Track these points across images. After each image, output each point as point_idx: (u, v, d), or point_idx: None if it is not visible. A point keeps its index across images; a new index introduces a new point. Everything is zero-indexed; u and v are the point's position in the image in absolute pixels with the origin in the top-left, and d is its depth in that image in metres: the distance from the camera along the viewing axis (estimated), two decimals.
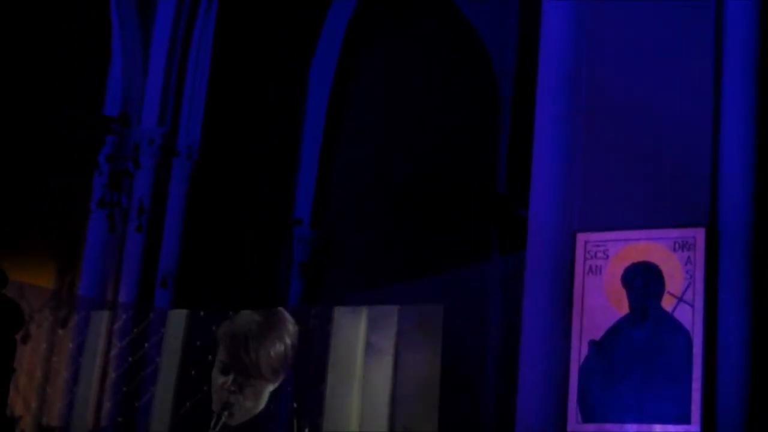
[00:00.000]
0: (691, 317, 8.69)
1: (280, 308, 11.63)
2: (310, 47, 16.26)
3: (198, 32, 14.92)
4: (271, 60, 15.59)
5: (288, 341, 10.97)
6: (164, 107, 14.68)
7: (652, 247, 8.94)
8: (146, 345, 13.48)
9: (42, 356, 13.26)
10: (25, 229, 14.28)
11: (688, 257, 8.80)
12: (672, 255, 8.86)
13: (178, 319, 13.26)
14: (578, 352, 9.00)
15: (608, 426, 8.75)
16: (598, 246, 9.12)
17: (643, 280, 8.91)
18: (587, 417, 8.83)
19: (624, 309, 8.95)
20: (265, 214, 15.40)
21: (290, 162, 16.08)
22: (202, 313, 13.38)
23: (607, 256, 9.08)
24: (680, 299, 8.76)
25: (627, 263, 9.00)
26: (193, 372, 13.00)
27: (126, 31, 14.76)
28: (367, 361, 11.75)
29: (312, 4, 16.08)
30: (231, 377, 11.23)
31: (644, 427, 8.63)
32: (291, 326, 11.00)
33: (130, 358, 13.39)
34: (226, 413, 10.82)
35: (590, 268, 9.11)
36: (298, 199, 15.98)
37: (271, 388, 11.21)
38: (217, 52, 14.90)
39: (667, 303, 8.81)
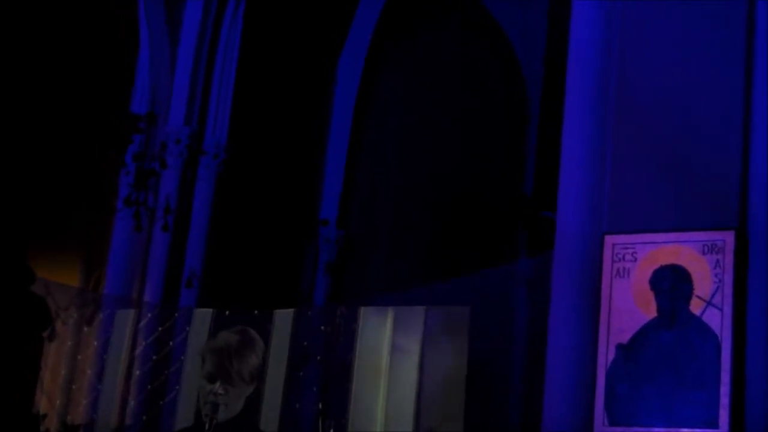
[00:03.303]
0: (719, 321, 8.64)
1: (249, 329, 12.28)
2: (337, 47, 16.26)
3: (225, 31, 14.93)
4: (298, 60, 15.59)
5: (259, 355, 12.19)
6: (191, 107, 14.69)
7: (681, 249, 8.89)
8: (171, 344, 13.49)
9: (67, 354, 13.28)
10: (52, 227, 14.31)
11: (717, 260, 8.75)
12: (701, 258, 8.81)
13: (203, 319, 13.27)
14: (605, 355, 8.96)
15: (635, 429, 8.70)
16: (626, 248, 9.08)
17: (672, 284, 8.86)
18: (614, 420, 8.79)
19: (652, 312, 8.90)
20: (291, 214, 15.39)
21: (317, 162, 16.08)
22: (227, 313, 13.39)
23: (636, 259, 9.03)
24: (709, 303, 8.70)
25: (655, 266, 8.96)
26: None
27: (154, 30, 14.78)
28: (393, 362, 11.79)
29: (340, 4, 16.07)
30: (218, 384, 12.03)
31: (672, 431, 8.58)
32: (260, 344, 12.17)
33: (154, 357, 13.40)
34: (215, 414, 11.74)
35: (618, 270, 9.07)
36: (324, 199, 15.98)
37: (249, 391, 12.04)
38: (244, 52, 14.90)
39: (695, 307, 8.75)
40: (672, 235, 8.96)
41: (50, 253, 13.81)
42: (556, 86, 10.16)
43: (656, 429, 8.63)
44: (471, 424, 11.39)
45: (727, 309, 8.64)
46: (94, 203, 14.54)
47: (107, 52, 14.85)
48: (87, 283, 14.56)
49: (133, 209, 13.97)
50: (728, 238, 8.76)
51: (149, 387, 13.26)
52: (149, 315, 13.66)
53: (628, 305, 8.97)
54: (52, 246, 14.11)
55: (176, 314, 13.58)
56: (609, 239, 9.14)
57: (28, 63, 14.46)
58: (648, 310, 8.91)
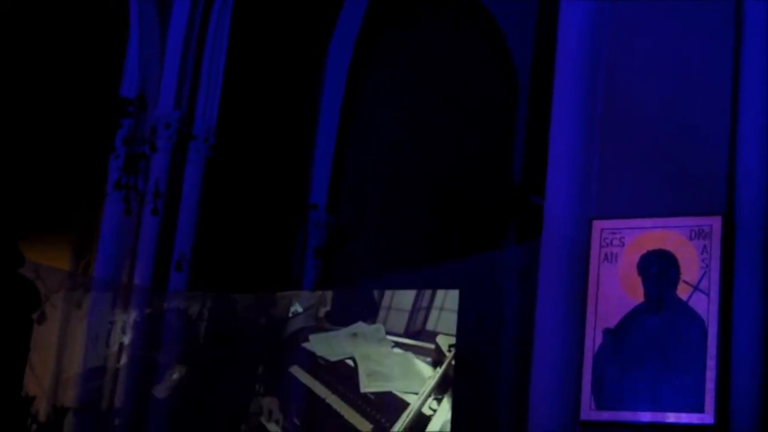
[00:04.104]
0: (706, 306, 8.68)
1: None
2: (327, 32, 16.25)
3: (215, 16, 14.92)
4: (288, 44, 15.58)
5: None
6: (181, 91, 14.69)
7: (668, 235, 8.92)
8: (160, 327, 13.53)
9: (57, 337, 13.30)
10: (42, 211, 14.31)
11: (704, 246, 8.79)
12: (688, 243, 8.84)
13: (192, 302, 13.33)
14: (593, 339, 8.99)
15: (622, 414, 8.75)
16: (614, 234, 9.11)
17: (659, 269, 8.89)
18: (601, 405, 8.83)
19: (639, 297, 8.94)
20: (280, 199, 15.40)
21: (306, 147, 16.09)
22: (216, 296, 13.44)
23: (623, 244, 9.07)
24: (696, 288, 8.74)
25: (642, 251, 8.99)
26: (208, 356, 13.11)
27: (144, 14, 14.77)
28: None
29: None
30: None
31: (658, 415, 8.62)
32: None
33: (144, 341, 13.44)
34: None
35: (606, 255, 9.10)
36: (313, 183, 15.98)
37: None
38: (234, 36, 14.89)
39: (682, 291, 8.79)
40: (659, 221, 8.99)
41: (40, 237, 13.81)
42: (546, 74, 10.17)
43: (642, 413, 8.67)
44: (459, 408, 11.45)
45: (714, 294, 8.67)
46: (84, 187, 14.55)
47: (97, 35, 14.84)
48: (77, 267, 14.57)
49: (123, 193, 13.97)
50: (715, 223, 8.79)
51: (138, 370, 13.30)
52: (138, 299, 13.70)
53: (616, 290, 9.00)
54: (42, 230, 14.11)
55: (165, 298, 13.63)
56: (597, 224, 9.17)
57: (18, 47, 14.44)
58: (635, 294, 8.95)
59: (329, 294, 13.13)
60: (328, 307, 12.81)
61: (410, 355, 12.03)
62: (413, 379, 11.91)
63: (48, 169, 14.50)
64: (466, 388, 11.56)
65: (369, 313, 12.43)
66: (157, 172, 14.42)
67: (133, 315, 13.60)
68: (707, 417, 8.49)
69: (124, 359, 13.38)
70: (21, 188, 14.04)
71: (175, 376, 13.10)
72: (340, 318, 12.61)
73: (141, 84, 14.71)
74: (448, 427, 11.46)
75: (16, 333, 8.36)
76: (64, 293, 13.52)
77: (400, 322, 12.28)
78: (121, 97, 14.54)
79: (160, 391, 13.11)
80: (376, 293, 12.55)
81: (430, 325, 12.05)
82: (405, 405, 11.80)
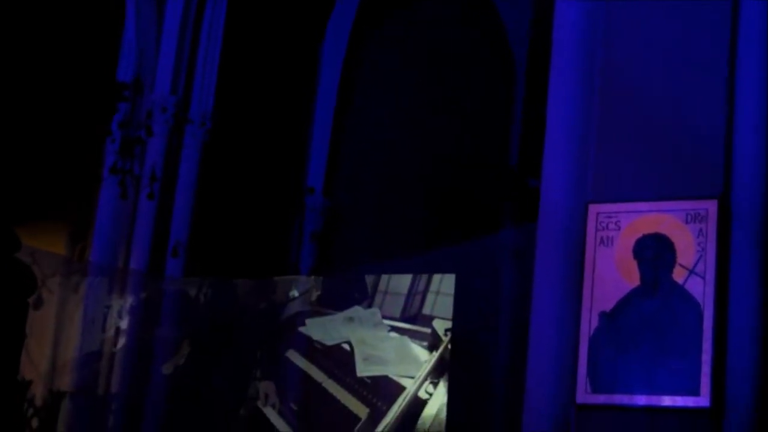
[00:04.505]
0: (702, 289, 8.68)
1: None
2: (324, 15, 16.22)
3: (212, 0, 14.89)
4: (285, 28, 15.55)
5: None
6: (177, 75, 14.66)
7: (664, 218, 8.91)
8: (157, 313, 13.53)
9: (53, 322, 13.30)
10: (38, 195, 14.30)
11: (700, 229, 8.78)
12: (684, 227, 8.84)
13: (190, 287, 13.34)
14: (588, 323, 8.99)
15: (617, 397, 8.75)
16: (610, 217, 9.10)
17: (655, 252, 8.89)
18: (597, 388, 8.83)
19: (635, 281, 8.94)
20: (277, 183, 15.39)
21: (303, 130, 16.07)
22: (214, 281, 13.44)
23: (619, 228, 9.06)
24: (692, 271, 8.74)
25: (638, 235, 8.98)
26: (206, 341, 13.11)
27: None
28: None
29: None
30: None
31: (653, 398, 8.63)
32: None
33: (140, 326, 13.45)
34: None
35: (602, 239, 9.10)
36: (310, 167, 15.97)
37: None
38: (230, 20, 14.87)
39: (678, 275, 8.79)
40: (655, 204, 8.98)
41: (36, 222, 13.80)
42: (542, 56, 10.15)
43: (638, 396, 8.68)
44: (456, 391, 11.46)
45: (710, 277, 8.67)
46: (80, 171, 14.53)
47: (93, 19, 14.80)
48: (73, 251, 14.57)
49: (119, 177, 13.96)
50: (711, 207, 8.79)
51: (135, 355, 13.31)
52: (135, 284, 13.70)
53: (612, 274, 9.00)
54: (37, 214, 14.10)
55: (162, 283, 13.63)
56: (593, 208, 9.16)
57: (14, 32, 14.41)
58: (631, 278, 8.94)
59: (322, 279, 13.16)
60: (320, 291, 12.83)
61: (406, 339, 12.04)
62: (409, 363, 11.92)
63: (44, 153, 14.48)
64: (462, 371, 11.57)
65: (361, 296, 12.44)
66: (154, 156, 14.40)
67: (129, 300, 13.60)
68: (703, 400, 8.50)
69: (120, 344, 13.38)
70: (17, 173, 14.02)
71: (184, 351, 13.14)
72: (331, 302, 12.62)
73: (137, 68, 14.68)
74: (445, 411, 11.48)
75: (12, 317, 8.35)
76: (61, 278, 13.52)
77: (396, 306, 12.28)
78: (117, 81, 14.52)
79: (168, 368, 13.15)
80: (371, 277, 12.55)
81: (426, 309, 12.05)
82: (401, 389, 11.81)
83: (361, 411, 11.93)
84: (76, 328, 13.39)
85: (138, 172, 14.22)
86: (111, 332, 13.47)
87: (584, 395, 8.85)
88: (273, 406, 12.48)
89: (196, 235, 14.29)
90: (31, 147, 14.35)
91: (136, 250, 14.08)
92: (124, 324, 13.45)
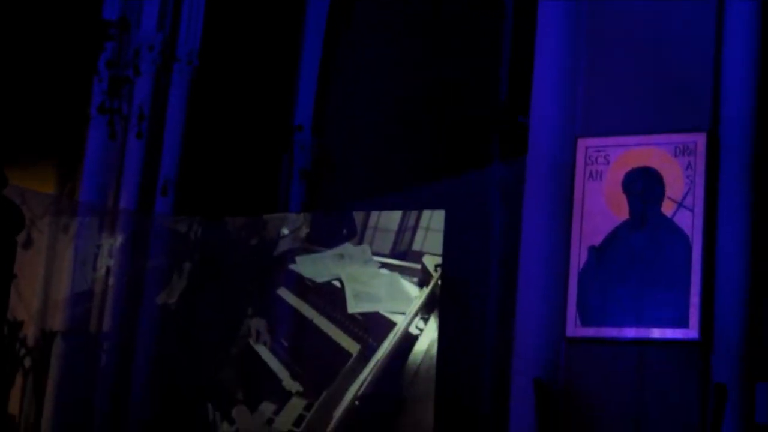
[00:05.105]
0: (690, 222, 8.71)
1: None
2: None
3: None
4: None
5: None
6: (164, 12, 14.55)
7: (653, 152, 8.93)
8: (147, 251, 13.54)
9: (44, 262, 13.31)
10: (26, 136, 14.24)
11: (689, 162, 8.79)
12: (673, 160, 8.85)
13: (180, 225, 13.34)
14: (578, 257, 9.03)
15: (607, 330, 8.80)
16: (599, 151, 9.11)
17: (643, 185, 8.91)
18: (586, 321, 8.88)
19: (624, 214, 8.97)
20: (265, 121, 15.34)
21: (291, 68, 15.98)
22: (205, 219, 13.44)
23: (608, 162, 9.07)
24: (680, 204, 8.76)
25: (627, 168, 9.00)
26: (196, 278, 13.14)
27: None
28: None
29: None
30: None
31: (642, 330, 8.68)
32: None
33: (131, 264, 13.46)
34: None
35: (591, 173, 9.11)
36: (298, 105, 15.90)
37: None
38: None
39: (667, 208, 8.82)
40: (644, 138, 8.99)
41: (24, 162, 13.76)
42: None
43: (627, 329, 8.73)
44: (445, 327, 11.50)
45: (699, 210, 8.70)
46: (68, 111, 14.47)
47: None
48: (62, 191, 14.53)
49: (107, 117, 13.89)
50: (700, 140, 8.80)
51: (126, 294, 13.34)
52: (125, 222, 13.70)
53: (601, 208, 9.02)
54: (26, 154, 14.06)
55: (152, 221, 13.63)
56: (582, 142, 9.17)
57: None
58: (620, 212, 8.97)
59: (311, 216, 13.17)
60: (310, 229, 12.84)
61: (397, 275, 12.07)
62: (400, 299, 11.95)
63: (32, 94, 14.40)
64: (452, 307, 11.61)
65: (350, 233, 12.45)
66: (141, 95, 14.33)
67: (119, 239, 13.60)
68: (692, 332, 8.55)
69: (111, 283, 13.40)
70: (4, 114, 13.96)
71: (176, 287, 13.16)
72: (321, 239, 12.64)
73: (123, 6, 14.55)
74: (435, 346, 11.53)
75: (1, 255, 8.33)
76: (51, 218, 13.50)
77: (386, 242, 12.30)
78: (103, 19, 14.41)
79: (162, 298, 13.20)
80: (361, 214, 12.56)
81: (416, 246, 12.07)
82: (392, 325, 11.86)
83: (353, 347, 11.99)
84: (66, 267, 13.40)
85: (126, 111, 14.16)
86: (102, 272, 13.48)
87: (574, 328, 8.91)
88: (264, 343, 12.53)
89: (186, 173, 14.26)
90: (19, 88, 14.27)
91: (126, 190, 14.05)
92: (114, 263, 13.46)
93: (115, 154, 14.16)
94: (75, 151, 14.38)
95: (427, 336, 11.65)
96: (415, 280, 11.93)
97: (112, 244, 13.56)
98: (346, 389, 11.87)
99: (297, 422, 12.07)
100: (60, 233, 13.50)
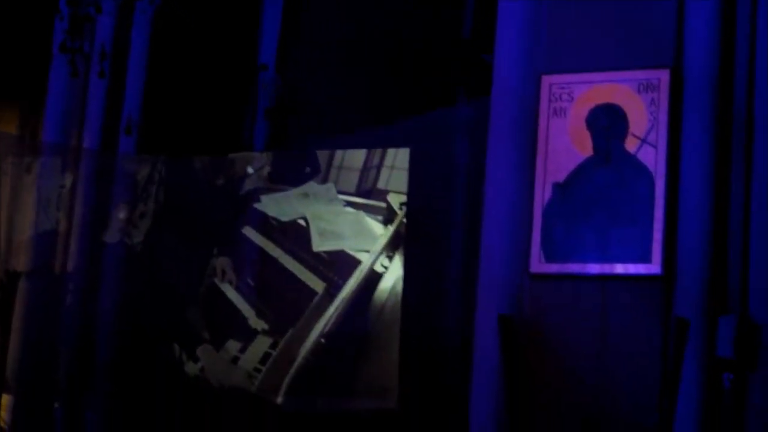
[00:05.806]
0: (654, 158, 8.76)
1: None
2: None
3: None
4: None
5: None
6: None
7: (617, 88, 8.96)
8: (110, 190, 13.49)
9: (6, 202, 13.24)
10: None
11: (653, 99, 8.83)
12: (636, 96, 8.89)
13: (144, 164, 13.29)
14: (542, 194, 9.08)
15: (570, 266, 8.87)
16: (563, 88, 9.14)
17: (607, 122, 8.95)
18: (550, 257, 8.95)
19: (588, 151, 9.01)
20: (229, 59, 15.25)
21: (255, 6, 15.88)
22: (169, 159, 13.40)
23: (572, 98, 9.10)
24: (644, 141, 8.81)
25: (591, 105, 9.03)
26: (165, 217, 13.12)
27: None
28: None
29: None
30: None
31: (606, 266, 8.75)
32: None
33: (95, 204, 13.41)
34: None
35: (555, 110, 9.14)
36: (262, 44, 15.80)
37: None
38: None
39: (630, 144, 8.87)
40: (608, 75, 9.02)
41: None
42: None
43: (591, 264, 8.80)
44: (410, 266, 11.54)
45: (662, 146, 8.75)
46: (29, 50, 14.34)
47: None
48: (24, 131, 14.44)
49: (69, 56, 13.76)
50: (663, 76, 8.83)
51: (90, 233, 13.30)
52: (88, 162, 13.64)
53: (565, 144, 9.06)
54: None
55: (115, 161, 13.57)
56: (546, 79, 9.19)
57: None
58: (584, 148, 9.01)
59: (274, 154, 13.14)
60: (272, 168, 12.83)
61: (362, 213, 12.07)
62: (365, 237, 11.97)
63: None
64: (417, 245, 11.63)
65: (314, 172, 12.45)
66: (103, 34, 14.21)
67: (83, 178, 13.54)
68: (654, 267, 8.63)
69: (75, 222, 13.36)
70: None
71: (122, 215, 13.12)
72: (285, 178, 12.63)
73: None
74: (401, 283, 11.57)
75: None
76: (13, 158, 13.42)
77: (351, 181, 12.29)
78: None
79: (112, 236, 13.15)
80: (325, 153, 12.55)
81: (381, 184, 12.08)
82: (357, 263, 11.88)
83: (318, 285, 12.01)
84: (30, 208, 13.34)
85: (88, 50, 14.03)
86: (65, 211, 13.43)
87: (538, 264, 8.98)
88: (230, 282, 12.53)
89: (149, 112, 14.18)
90: None
91: (89, 129, 13.96)
92: (78, 203, 13.40)
93: (77, 94, 14.06)
94: (37, 91, 14.27)
95: (393, 274, 11.68)
96: (380, 218, 11.94)
97: (76, 183, 13.50)
98: (312, 327, 11.90)
99: (263, 360, 12.09)
100: (23, 173, 13.42)
